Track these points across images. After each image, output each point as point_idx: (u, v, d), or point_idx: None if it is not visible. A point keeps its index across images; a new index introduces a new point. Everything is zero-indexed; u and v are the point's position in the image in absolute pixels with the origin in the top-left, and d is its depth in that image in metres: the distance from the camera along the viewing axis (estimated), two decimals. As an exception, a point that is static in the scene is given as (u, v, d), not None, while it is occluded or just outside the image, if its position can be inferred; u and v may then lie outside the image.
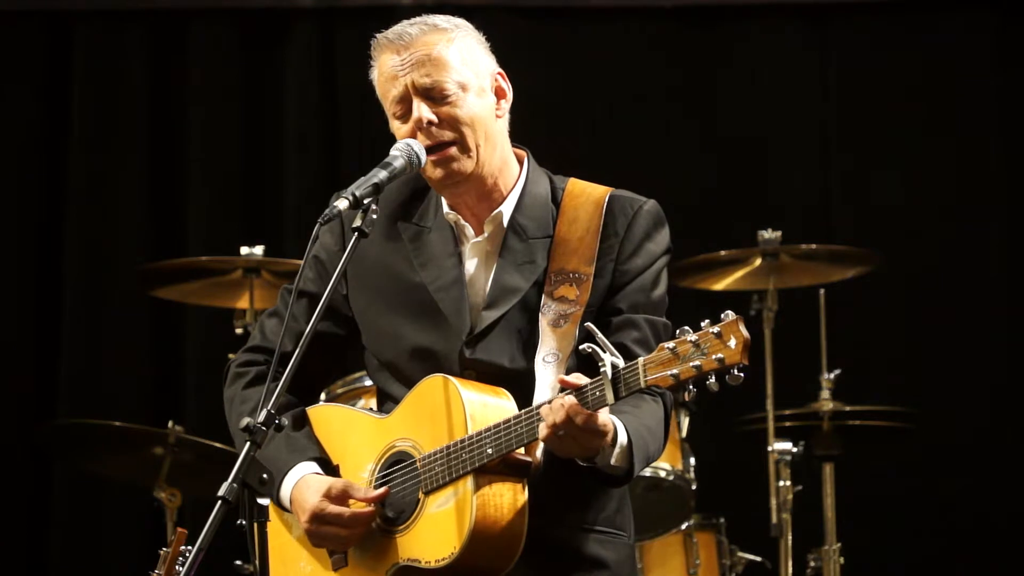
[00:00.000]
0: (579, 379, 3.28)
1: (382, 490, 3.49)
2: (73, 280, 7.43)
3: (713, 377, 3.16)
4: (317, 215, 3.36)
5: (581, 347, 3.28)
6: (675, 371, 3.18)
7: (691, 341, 3.17)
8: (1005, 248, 7.40)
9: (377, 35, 3.61)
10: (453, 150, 3.53)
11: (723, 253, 6.44)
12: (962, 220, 7.42)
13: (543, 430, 3.29)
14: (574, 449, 3.32)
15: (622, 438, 3.35)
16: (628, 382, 3.24)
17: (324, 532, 3.49)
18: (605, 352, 3.25)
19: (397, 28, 3.59)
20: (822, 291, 6.55)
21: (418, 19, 3.59)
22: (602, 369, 3.24)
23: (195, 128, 7.53)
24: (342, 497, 3.49)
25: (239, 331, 6.27)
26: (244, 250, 6.25)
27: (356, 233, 3.39)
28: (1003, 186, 7.44)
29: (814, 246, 6.55)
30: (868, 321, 7.35)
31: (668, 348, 3.20)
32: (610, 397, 3.24)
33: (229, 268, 6.25)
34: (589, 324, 3.31)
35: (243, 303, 6.31)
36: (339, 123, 7.51)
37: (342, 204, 3.37)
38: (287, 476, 3.55)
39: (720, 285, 6.56)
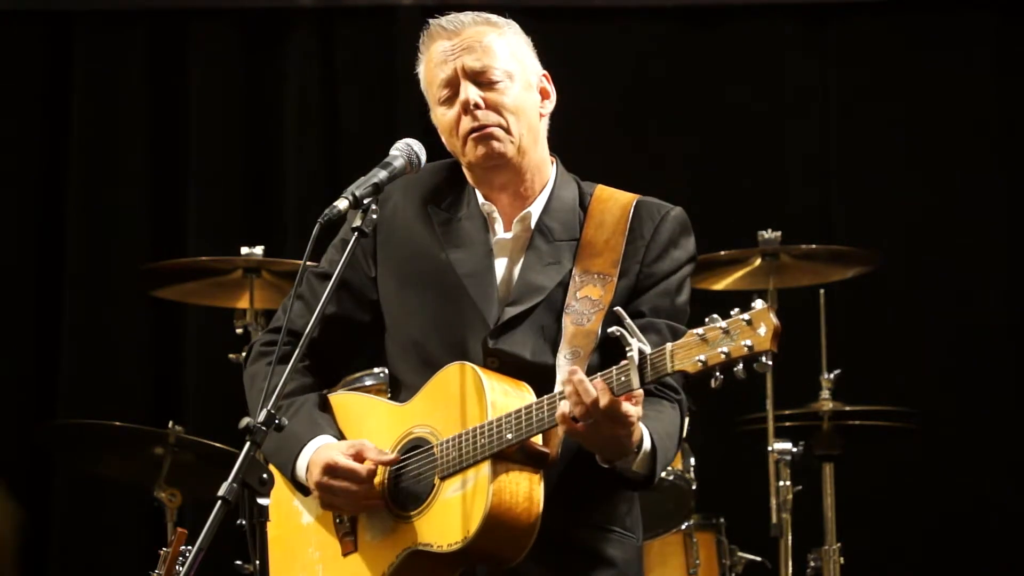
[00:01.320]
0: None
1: (393, 455, 3.51)
2: (73, 280, 7.43)
3: (741, 364, 3.16)
4: (317, 215, 3.37)
5: (609, 330, 3.28)
6: (702, 357, 3.18)
7: (720, 327, 3.18)
8: (1005, 248, 7.39)
9: (428, 23, 3.64)
10: (496, 130, 3.55)
11: (723, 253, 6.43)
12: (962, 220, 7.41)
13: (566, 406, 3.28)
14: (596, 438, 3.31)
15: (647, 444, 3.37)
16: (656, 366, 3.24)
17: (333, 487, 3.50)
18: (633, 337, 3.25)
19: (450, 16, 3.62)
20: (822, 291, 6.55)
21: (471, 12, 3.63)
22: (629, 353, 3.25)
23: (195, 128, 7.52)
24: (357, 456, 3.51)
25: (239, 331, 6.27)
26: (244, 250, 6.24)
27: (356, 233, 3.41)
28: (1003, 186, 7.43)
29: (814, 246, 6.54)
30: (868, 321, 7.35)
31: (697, 334, 3.20)
32: (635, 382, 3.25)
33: (229, 268, 6.25)
34: (618, 308, 3.32)
35: (243, 303, 6.31)
36: (339, 123, 7.50)
37: (342, 204, 3.39)
38: (308, 444, 3.57)
39: (720, 285, 6.56)
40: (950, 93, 7.46)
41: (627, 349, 3.25)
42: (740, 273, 6.50)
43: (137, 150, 7.52)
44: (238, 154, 7.55)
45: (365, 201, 3.41)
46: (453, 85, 3.57)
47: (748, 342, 3.14)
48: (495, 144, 3.56)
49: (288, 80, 7.55)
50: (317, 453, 3.54)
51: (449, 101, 3.58)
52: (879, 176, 7.46)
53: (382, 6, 7.34)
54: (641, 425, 3.33)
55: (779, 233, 6.40)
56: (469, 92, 3.55)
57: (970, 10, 7.48)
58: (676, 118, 7.52)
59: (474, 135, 3.56)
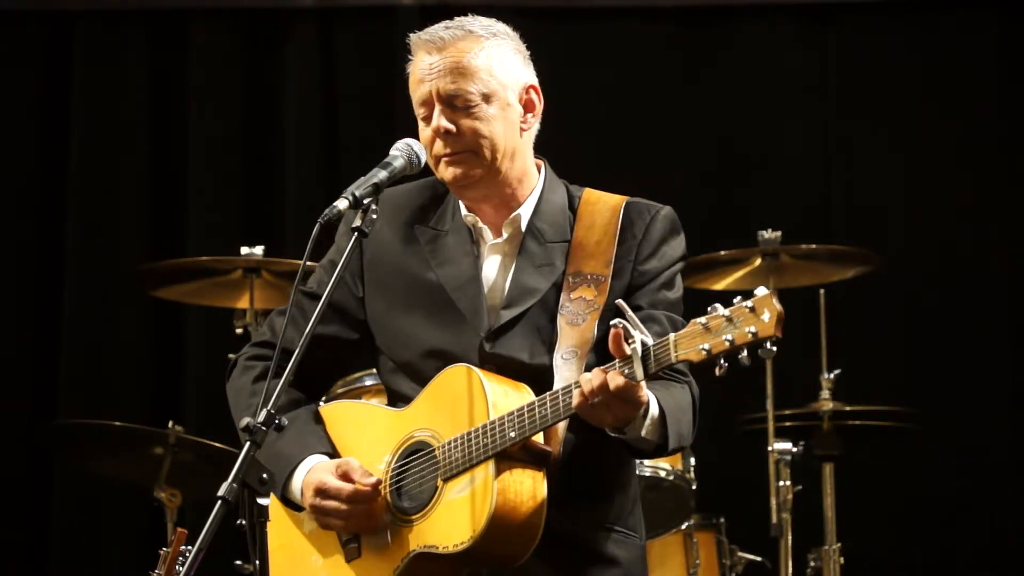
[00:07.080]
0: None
1: (375, 479, 3.50)
2: (73, 280, 7.43)
3: (745, 351, 3.15)
4: (317, 215, 3.37)
5: (612, 323, 3.28)
6: (706, 345, 3.18)
7: (723, 315, 3.18)
8: (1005, 248, 7.39)
9: (412, 34, 3.63)
10: (466, 155, 3.56)
11: (723, 253, 6.44)
12: (962, 220, 7.41)
13: (577, 396, 3.30)
14: (607, 418, 3.32)
15: (653, 410, 3.37)
16: (659, 357, 3.24)
17: (325, 507, 3.51)
18: (635, 329, 3.26)
19: (433, 29, 3.60)
20: (822, 291, 6.55)
21: (456, 22, 3.61)
22: (632, 345, 3.25)
23: (195, 128, 7.52)
24: (344, 476, 3.51)
25: (239, 331, 6.28)
26: (244, 250, 6.25)
27: (355, 232, 3.41)
28: (1003, 186, 7.43)
29: (814, 246, 6.55)
30: (868, 321, 7.35)
31: (700, 323, 3.20)
32: (639, 373, 3.25)
33: (229, 268, 6.26)
34: (619, 301, 3.32)
35: (243, 303, 6.31)
36: (339, 123, 7.50)
37: (342, 204, 3.40)
38: (300, 465, 3.57)
39: (720, 285, 6.56)
40: (950, 93, 7.46)
41: (629, 341, 3.25)
42: (740, 273, 6.51)
43: (137, 150, 7.52)
44: (238, 154, 7.55)
45: (365, 201, 3.41)
46: (429, 106, 3.57)
47: (752, 328, 3.13)
48: (464, 169, 3.57)
49: (288, 80, 7.55)
50: (310, 474, 3.54)
51: (426, 120, 3.59)
52: (879, 176, 7.46)
53: (382, 6, 7.34)
54: (646, 391, 3.33)
55: (779, 233, 6.40)
56: (441, 119, 3.54)
57: (970, 10, 7.48)
58: (676, 118, 7.51)
59: (445, 159, 3.57)
